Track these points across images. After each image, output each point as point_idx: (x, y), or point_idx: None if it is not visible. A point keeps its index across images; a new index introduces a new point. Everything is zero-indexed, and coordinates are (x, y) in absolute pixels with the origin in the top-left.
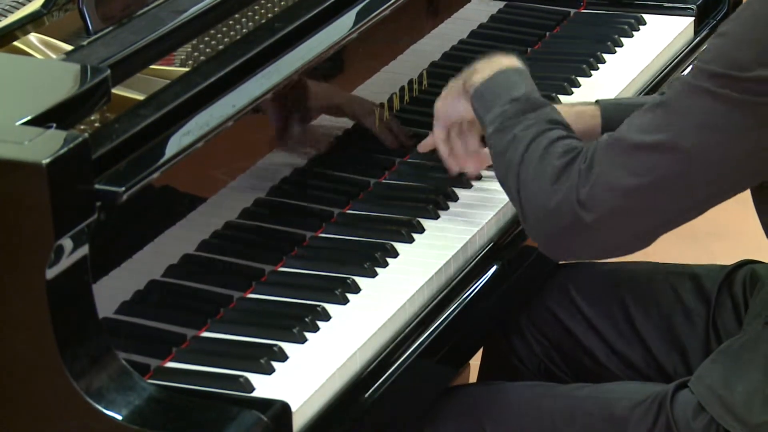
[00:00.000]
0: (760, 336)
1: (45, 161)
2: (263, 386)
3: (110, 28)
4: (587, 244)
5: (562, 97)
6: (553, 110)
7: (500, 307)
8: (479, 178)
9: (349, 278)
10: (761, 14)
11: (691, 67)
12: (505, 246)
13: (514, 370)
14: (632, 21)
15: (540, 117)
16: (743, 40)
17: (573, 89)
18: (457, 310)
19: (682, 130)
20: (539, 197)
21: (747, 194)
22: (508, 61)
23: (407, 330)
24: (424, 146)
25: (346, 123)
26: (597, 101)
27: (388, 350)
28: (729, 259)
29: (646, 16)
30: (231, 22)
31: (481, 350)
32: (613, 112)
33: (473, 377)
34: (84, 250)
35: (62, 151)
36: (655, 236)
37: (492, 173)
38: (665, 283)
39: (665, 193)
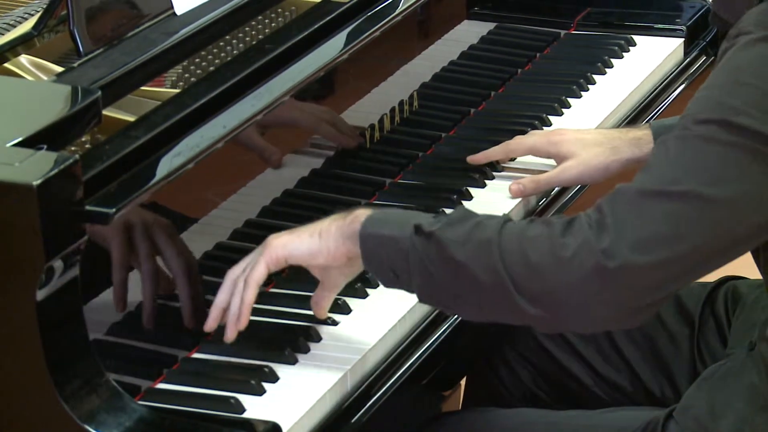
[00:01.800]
0: (745, 364)
1: (35, 183)
2: (254, 407)
3: (101, 49)
4: (610, 296)
5: (552, 119)
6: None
7: (488, 329)
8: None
9: (340, 299)
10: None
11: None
12: None
13: (500, 397)
14: (622, 42)
15: (481, 216)
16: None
17: (563, 110)
18: (448, 331)
19: (695, 179)
20: (546, 254)
21: None
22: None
23: (398, 351)
24: None
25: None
26: (650, 124)
27: (378, 371)
28: (713, 277)
29: (636, 38)
30: (222, 44)
31: (464, 378)
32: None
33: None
34: (74, 271)
35: (53, 173)
36: (676, 286)
37: (491, 187)
38: None
39: (687, 242)
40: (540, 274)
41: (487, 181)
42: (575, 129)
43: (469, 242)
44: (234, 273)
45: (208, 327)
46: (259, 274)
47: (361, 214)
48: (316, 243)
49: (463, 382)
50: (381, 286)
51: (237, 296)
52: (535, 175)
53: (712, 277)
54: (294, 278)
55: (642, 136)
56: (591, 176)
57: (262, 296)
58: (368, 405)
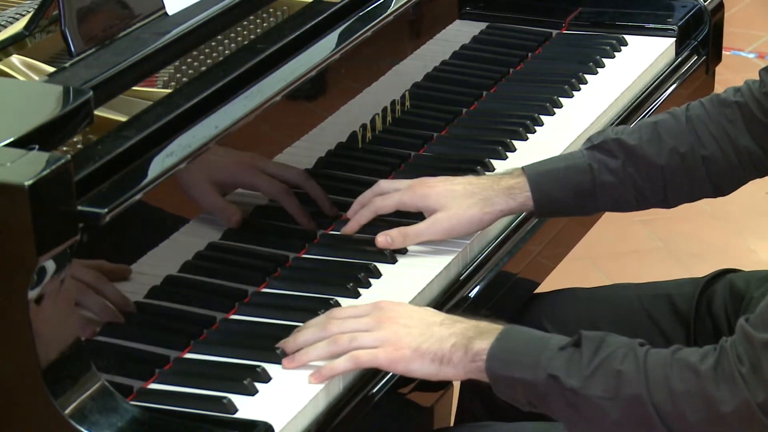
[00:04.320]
0: None
1: (27, 183)
2: (246, 407)
3: (92, 49)
4: None
5: (544, 118)
6: (608, 335)
7: None
8: None
9: (332, 299)
10: None
11: None
12: (488, 267)
13: (495, 410)
14: (614, 42)
15: (614, 343)
16: None
17: (555, 110)
18: None
19: None
20: (702, 408)
21: (731, 212)
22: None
23: None
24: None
25: (329, 144)
26: (522, 168)
27: (371, 371)
28: (704, 272)
29: (627, 37)
30: (213, 44)
31: (458, 387)
32: (543, 183)
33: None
34: (66, 271)
35: (45, 173)
36: None
37: None
38: (639, 308)
39: None
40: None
41: None
42: (443, 179)
43: (618, 398)
44: (337, 325)
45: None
46: (368, 363)
47: (481, 349)
48: (434, 370)
49: (455, 395)
50: (373, 286)
51: (323, 350)
52: (404, 228)
53: (702, 271)
54: (287, 278)
55: (515, 184)
56: (463, 228)
57: (255, 296)
58: (361, 405)
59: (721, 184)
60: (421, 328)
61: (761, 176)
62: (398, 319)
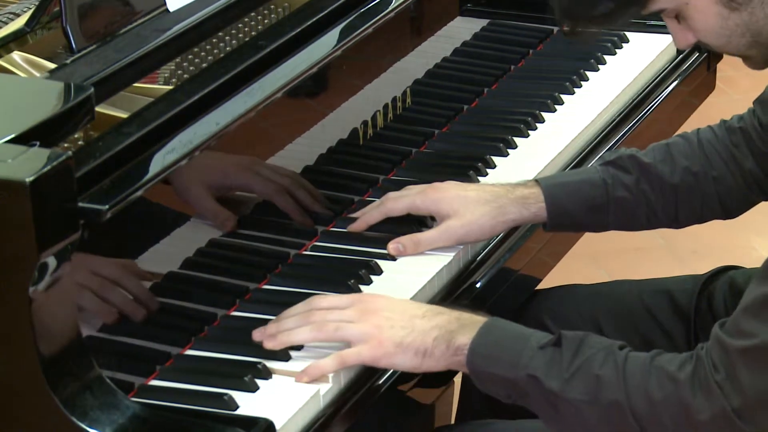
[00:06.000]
0: None
1: (28, 179)
2: (247, 404)
3: (94, 46)
4: None
5: (545, 115)
6: (588, 335)
7: None
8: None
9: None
10: None
11: None
12: (487, 265)
13: (496, 408)
14: (615, 39)
15: (594, 345)
16: None
17: (556, 107)
18: None
19: None
20: (679, 415)
21: None
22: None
23: None
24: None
25: (330, 140)
26: (536, 180)
27: (370, 368)
28: (705, 269)
29: (629, 34)
30: (214, 40)
31: (459, 382)
32: (557, 195)
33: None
34: (67, 267)
35: (45, 169)
36: None
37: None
38: (639, 304)
39: None
40: None
41: (480, 178)
42: (455, 184)
43: (596, 403)
44: (320, 316)
45: (259, 337)
46: (353, 362)
47: (462, 343)
48: (417, 363)
49: (457, 393)
50: (374, 283)
51: (308, 335)
52: (416, 234)
53: (704, 268)
54: (288, 275)
55: (529, 194)
56: (475, 236)
57: (256, 292)
58: (362, 402)
59: (730, 205)
60: (404, 321)
61: (767, 198)
62: (381, 311)
